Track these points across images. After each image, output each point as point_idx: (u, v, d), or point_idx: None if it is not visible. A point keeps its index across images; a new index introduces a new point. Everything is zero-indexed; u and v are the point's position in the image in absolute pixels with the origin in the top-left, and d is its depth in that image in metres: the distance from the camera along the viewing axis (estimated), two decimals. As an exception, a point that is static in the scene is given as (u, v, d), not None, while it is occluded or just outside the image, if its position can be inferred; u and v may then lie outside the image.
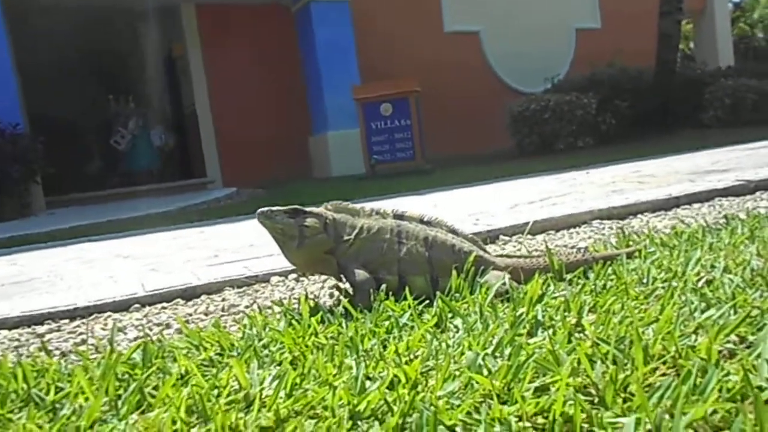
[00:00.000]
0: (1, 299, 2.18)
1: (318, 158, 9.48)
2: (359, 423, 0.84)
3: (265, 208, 1.56)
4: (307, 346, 1.19)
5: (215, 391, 0.99)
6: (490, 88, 10.92)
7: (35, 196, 7.45)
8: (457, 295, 1.45)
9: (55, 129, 8.96)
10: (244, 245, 2.91)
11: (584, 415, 0.78)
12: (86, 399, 1.00)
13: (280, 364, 1.11)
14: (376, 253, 1.52)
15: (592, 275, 1.55)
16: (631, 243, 1.93)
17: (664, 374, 0.91)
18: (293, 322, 1.35)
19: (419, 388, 0.93)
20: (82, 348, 1.46)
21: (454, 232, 1.60)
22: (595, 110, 8.66)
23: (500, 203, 3.54)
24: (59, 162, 7.89)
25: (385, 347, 1.14)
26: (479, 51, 11.18)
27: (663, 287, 1.35)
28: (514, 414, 0.81)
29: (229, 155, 9.51)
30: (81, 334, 1.69)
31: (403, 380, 0.94)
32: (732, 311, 1.12)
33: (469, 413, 0.83)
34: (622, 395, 0.85)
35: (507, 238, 2.53)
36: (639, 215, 2.81)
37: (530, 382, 0.91)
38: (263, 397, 0.95)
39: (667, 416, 0.74)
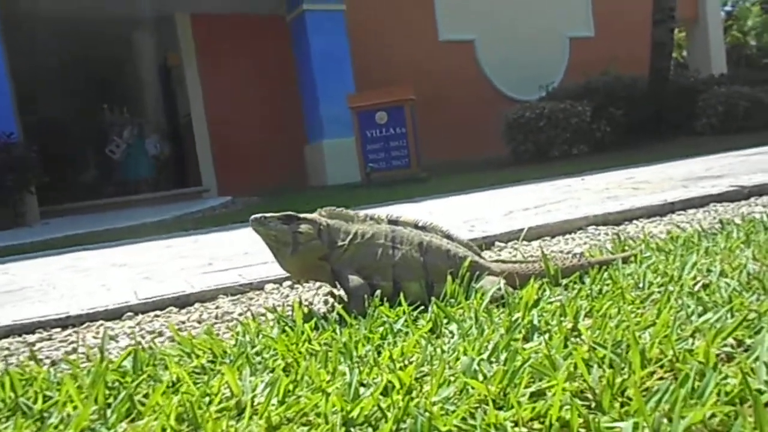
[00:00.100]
0: (-8, 308, 2.15)
1: (313, 167, 9.48)
2: (352, 430, 0.82)
3: (259, 215, 1.54)
4: (300, 352, 1.17)
5: (206, 399, 0.98)
6: (485, 96, 10.96)
7: (29, 205, 7.41)
8: (453, 300, 1.44)
9: (49, 138, 8.95)
10: (238, 253, 2.90)
11: (581, 420, 0.77)
12: (75, 407, 0.98)
13: (272, 371, 1.09)
14: (370, 258, 1.51)
15: (588, 280, 1.54)
16: (626, 248, 1.92)
17: (661, 378, 0.90)
18: (287, 328, 1.33)
19: (414, 393, 0.91)
20: (73, 357, 1.44)
21: (449, 237, 1.59)
22: (590, 118, 8.69)
23: (495, 210, 3.53)
24: (54, 171, 7.86)
25: (379, 353, 1.12)
26: (474, 59, 11.23)
27: (659, 291, 1.34)
28: (510, 419, 0.80)
29: (225, 164, 9.50)
30: (72, 342, 1.67)
31: (398, 386, 0.93)
32: (729, 315, 1.11)
33: (464, 419, 0.81)
34: (620, 399, 0.84)
35: (502, 244, 2.52)
36: (634, 221, 2.80)
37: (526, 387, 0.89)
38: (255, 404, 0.93)
39: (665, 420, 0.72)
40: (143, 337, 1.62)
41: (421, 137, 7.88)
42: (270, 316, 1.53)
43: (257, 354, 1.21)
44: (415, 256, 1.51)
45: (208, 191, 9.42)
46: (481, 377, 0.93)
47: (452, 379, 0.94)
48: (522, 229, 2.58)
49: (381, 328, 1.27)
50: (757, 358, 0.89)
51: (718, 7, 14.26)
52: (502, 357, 1.02)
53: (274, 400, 0.93)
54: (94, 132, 10.64)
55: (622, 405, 0.82)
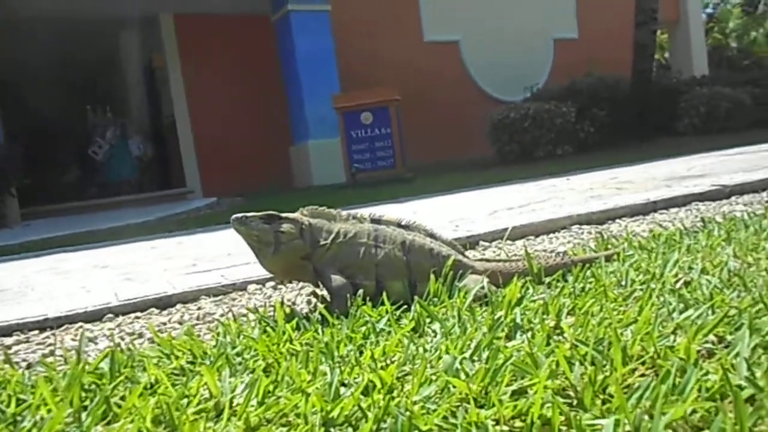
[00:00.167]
0: (-32, 311, 2.11)
1: (299, 168, 9.44)
2: (332, 430, 0.81)
3: (240, 215, 1.53)
4: (281, 353, 1.16)
5: (185, 401, 0.96)
6: (470, 97, 10.98)
7: (10, 207, 7.30)
8: (436, 299, 1.43)
9: (31, 139, 8.83)
10: (221, 254, 2.87)
11: (563, 418, 0.77)
12: (48, 411, 0.96)
13: (253, 371, 1.08)
14: (353, 257, 1.50)
15: (571, 278, 1.54)
16: (609, 246, 1.93)
17: (643, 375, 0.90)
18: (268, 329, 1.32)
19: (395, 393, 0.90)
20: (51, 359, 1.41)
21: (432, 236, 1.58)
22: (574, 119, 8.74)
23: (480, 210, 3.53)
24: (36, 173, 7.76)
25: (361, 353, 1.11)
26: (458, 60, 11.25)
27: (641, 289, 1.34)
28: (492, 418, 0.79)
29: (209, 165, 9.43)
30: (50, 345, 1.64)
31: (379, 385, 0.92)
32: (710, 311, 1.11)
33: (445, 418, 0.80)
34: (601, 397, 0.84)
35: (487, 243, 2.52)
36: (617, 220, 2.82)
37: (508, 385, 0.89)
38: (234, 405, 0.91)
39: (646, 417, 0.72)
40: (123, 339, 1.60)
41: (406, 138, 7.88)
42: (252, 316, 1.51)
43: (238, 355, 1.19)
44: (398, 255, 1.50)
45: (192, 192, 9.34)
46: (463, 376, 0.93)
47: (434, 378, 0.93)
48: (506, 229, 2.58)
49: (363, 328, 1.26)
50: (737, 354, 0.89)
51: (699, 9, 14.43)
52: (485, 355, 1.01)
53: (254, 401, 0.92)
54: (77, 133, 10.52)
55: (603, 402, 0.82)
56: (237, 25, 9.50)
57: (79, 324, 1.84)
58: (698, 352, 0.93)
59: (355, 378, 0.98)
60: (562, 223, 2.75)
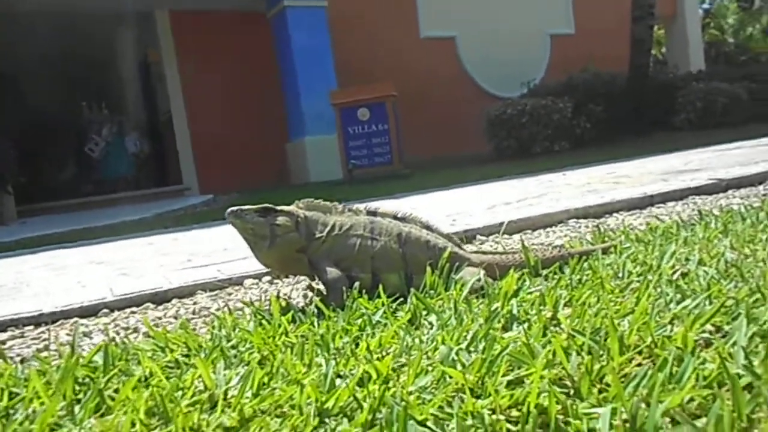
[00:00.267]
0: (-38, 307, 2.10)
1: (296, 164, 9.42)
2: (327, 420, 0.81)
3: (235, 208, 1.52)
4: (276, 345, 1.15)
5: (179, 393, 0.95)
6: (467, 93, 10.97)
7: (6, 205, 7.28)
8: (432, 291, 1.42)
9: (27, 136, 8.79)
10: (217, 249, 2.86)
11: (559, 407, 0.76)
12: (41, 403, 0.95)
13: (248, 364, 1.07)
14: (348, 250, 1.49)
15: (567, 270, 1.53)
16: (606, 239, 1.92)
17: (639, 364, 0.89)
18: (263, 322, 1.31)
19: (390, 384, 0.90)
20: (45, 354, 1.41)
21: (428, 228, 1.57)
22: (571, 114, 8.75)
23: (477, 204, 3.53)
24: (32, 170, 7.73)
25: (357, 345, 1.10)
26: (455, 56, 11.24)
27: (638, 280, 1.34)
28: (488, 407, 0.78)
29: (206, 162, 9.41)
30: (45, 340, 1.63)
31: (374, 376, 0.91)
32: (707, 302, 1.11)
33: (441, 407, 0.80)
34: (598, 386, 0.83)
35: (484, 237, 2.52)
36: (615, 214, 2.81)
37: (504, 375, 0.88)
38: (228, 397, 0.91)
39: (643, 405, 0.72)
40: (118, 333, 1.59)
41: (403, 134, 7.87)
42: (247, 310, 1.50)
43: (233, 347, 1.18)
44: (394, 247, 1.50)
45: (189, 189, 9.32)
46: (459, 366, 0.92)
47: (430, 368, 0.92)
48: (503, 223, 2.58)
49: (359, 320, 1.26)
50: (734, 344, 0.88)
51: (696, 4, 14.43)
52: (481, 346, 1.01)
53: (248, 393, 0.91)
54: (73, 130, 10.48)
55: (600, 391, 0.81)
56: (233, 21, 9.48)
57: (75, 319, 1.83)
58: (695, 341, 0.92)
59: (350, 369, 0.98)
60: (559, 217, 2.74)
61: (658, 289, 1.23)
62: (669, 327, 1.01)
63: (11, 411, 0.96)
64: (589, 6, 12.32)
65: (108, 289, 2.07)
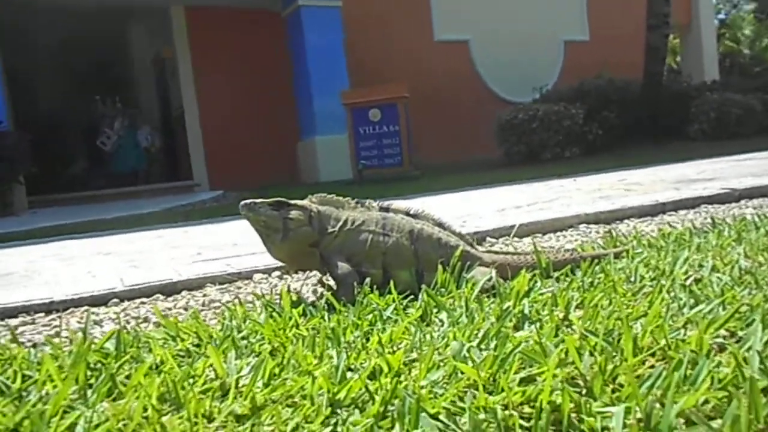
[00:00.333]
0: (-26, 293, 2.12)
1: (306, 163, 9.44)
2: (339, 411, 0.81)
3: (249, 201, 1.52)
4: (287, 337, 1.15)
5: (190, 380, 0.96)
6: (479, 97, 10.96)
7: (18, 195, 7.33)
8: (443, 289, 1.42)
9: (40, 128, 8.85)
10: (227, 243, 2.86)
11: (572, 405, 0.76)
12: (54, 386, 0.96)
13: (258, 354, 1.07)
14: (360, 245, 1.49)
15: (579, 273, 1.53)
16: (618, 244, 1.91)
17: (652, 366, 0.89)
18: (274, 314, 1.31)
19: (402, 377, 0.90)
20: (56, 340, 1.41)
21: (440, 225, 1.57)
22: (583, 121, 8.71)
23: (487, 207, 3.52)
24: (44, 162, 7.78)
25: (368, 339, 1.10)
26: (468, 60, 11.23)
27: (651, 285, 1.33)
28: (500, 403, 0.78)
29: (216, 158, 9.44)
30: (56, 327, 1.64)
31: (386, 370, 0.91)
32: (721, 307, 1.10)
33: (453, 402, 0.80)
34: (611, 386, 0.83)
35: (494, 240, 2.51)
36: (626, 220, 2.80)
37: (516, 372, 0.88)
38: (240, 385, 0.91)
39: (657, 405, 0.71)
40: (128, 323, 1.60)
41: (413, 136, 7.87)
42: (257, 303, 1.51)
43: (243, 338, 1.19)
44: (406, 244, 1.49)
45: (199, 185, 9.35)
46: (470, 363, 0.92)
47: (441, 363, 0.92)
48: (513, 226, 2.57)
49: (370, 316, 1.26)
50: (749, 348, 0.88)
51: (711, 14, 14.36)
52: (493, 344, 1.00)
53: (259, 382, 0.91)
54: (86, 123, 10.55)
55: (613, 391, 0.81)
56: (247, 18, 9.51)
57: (85, 307, 1.84)
58: (710, 345, 0.92)
59: (361, 362, 0.98)
60: (570, 222, 2.73)
61: (671, 294, 1.23)
62: (682, 331, 1.00)
63: (24, 393, 0.96)
64: (604, 13, 12.29)
65: (118, 279, 2.08)
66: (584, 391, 0.82)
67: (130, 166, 10.09)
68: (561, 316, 1.14)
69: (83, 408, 0.87)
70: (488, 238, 2.51)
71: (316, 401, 0.82)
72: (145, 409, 0.84)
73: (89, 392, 0.93)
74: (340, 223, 1.51)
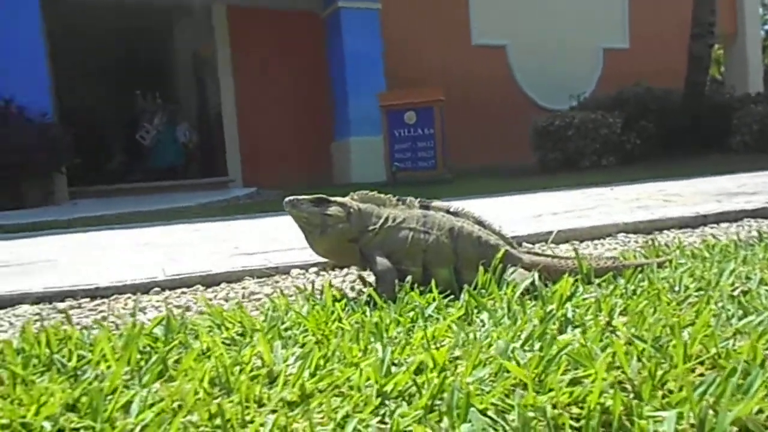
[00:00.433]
0: (21, 276, 2.19)
1: (339, 164, 9.50)
2: (387, 402, 0.82)
3: (292, 197, 1.55)
4: (330, 330, 1.17)
5: (237, 367, 0.98)
6: (515, 103, 10.88)
7: (59, 185, 7.54)
8: (483, 291, 1.42)
9: (83, 121, 9.09)
10: (265, 239, 2.91)
11: (621, 408, 0.75)
12: (108, 366, 0.99)
13: (303, 345, 1.09)
14: (400, 243, 1.50)
15: (622, 280, 1.51)
16: (660, 254, 1.89)
17: (702, 374, 0.88)
18: (316, 307, 1.33)
19: (447, 373, 0.90)
20: (104, 324, 1.46)
21: (480, 223, 1.57)
22: (620, 129, 8.58)
23: (524, 213, 3.50)
24: (85, 154, 7.98)
25: (410, 335, 1.11)
26: (506, 65, 11.17)
27: (696, 295, 1.31)
28: (548, 403, 0.78)
29: (251, 156, 9.56)
30: (102, 311, 1.69)
31: (431, 365, 0.92)
32: (771, 319, 1.08)
33: (501, 399, 0.80)
34: (660, 392, 0.82)
35: (530, 245, 2.49)
36: (665, 231, 2.75)
37: (563, 374, 0.88)
38: (287, 374, 0.93)
39: (711, 411, 0.70)
40: (171, 311, 1.63)
41: (448, 139, 7.85)
42: (299, 297, 1.53)
43: (286, 330, 1.21)
44: (446, 241, 1.50)
45: (233, 182, 9.49)
46: (515, 363, 0.92)
47: (487, 361, 0.93)
48: (550, 232, 2.55)
49: (411, 313, 1.26)
50: (804, 361, 0.86)
51: (758, 25, 14.01)
52: (537, 345, 1.00)
53: (306, 372, 0.93)
54: (126, 117, 10.79)
55: (662, 397, 0.80)
56: (287, 19, 9.62)
57: (128, 294, 1.89)
58: (763, 355, 0.90)
59: (406, 357, 0.99)
60: (608, 230, 2.70)
61: (719, 304, 1.21)
62: (732, 341, 0.99)
63: (79, 372, 1.00)
64: (645, 21, 12.09)
65: (160, 269, 2.13)
66: (632, 395, 0.82)
67: (168, 161, 10.27)
68: (605, 321, 1.13)
69: (137, 387, 0.90)
70: (524, 244, 2.49)
71: (364, 392, 0.84)
72: (197, 392, 0.86)
73: (141, 373, 0.96)
74: (381, 220, 1.52)
